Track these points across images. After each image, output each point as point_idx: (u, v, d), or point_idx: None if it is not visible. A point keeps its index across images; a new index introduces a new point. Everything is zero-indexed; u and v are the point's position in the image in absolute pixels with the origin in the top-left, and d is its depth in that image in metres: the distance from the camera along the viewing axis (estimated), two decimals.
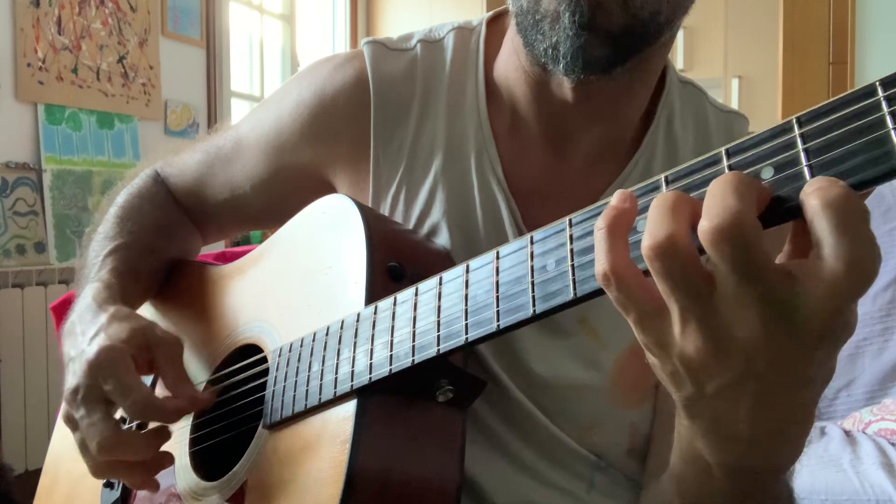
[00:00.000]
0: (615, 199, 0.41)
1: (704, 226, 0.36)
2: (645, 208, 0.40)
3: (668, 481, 0.59)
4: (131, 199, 0.89)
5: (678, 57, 3.63)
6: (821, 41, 3.19)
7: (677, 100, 0.75)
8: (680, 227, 0.37)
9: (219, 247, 2.74)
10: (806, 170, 0.35)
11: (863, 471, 1.68)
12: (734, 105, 3.67)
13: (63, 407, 0.67)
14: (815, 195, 0.34)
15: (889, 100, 0.33)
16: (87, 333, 0.68)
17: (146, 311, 0.89)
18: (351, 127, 0.75)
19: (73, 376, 0.66)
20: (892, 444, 1.78)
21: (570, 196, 0.71)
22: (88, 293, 0.75)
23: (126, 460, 0.66)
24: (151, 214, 0.87)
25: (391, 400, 0.58)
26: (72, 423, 0.66)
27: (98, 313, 0.70)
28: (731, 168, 0.38)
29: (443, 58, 0.76)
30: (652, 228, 0.37)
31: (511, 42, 0.72)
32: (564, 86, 0.66)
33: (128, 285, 0.79)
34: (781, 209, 0.36)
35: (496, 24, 0.78)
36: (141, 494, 0.77)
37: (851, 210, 0.34)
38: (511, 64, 0.72)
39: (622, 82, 0.66)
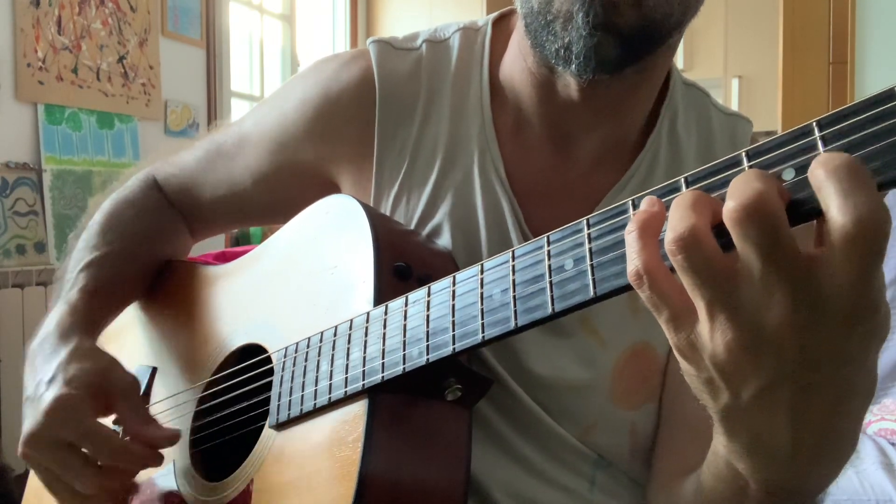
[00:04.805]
0: (645, 203, 0.41)
1: (730, 206, 0.36)
2: (666, 209, 0.41)
3: (692, 494, 0.59)
4: (116, 206, 0.89)
5: (678, 57, 3.62)
6: (821, 41, 3.19)
7: (681, 102, 0.75)
8: (700, 221, 0.37)
9: (219, 246, 2.74)
10: None
11: (863, 471, 1.68)
12: (734, 105, 3.68)
13: (23, 448, 0.66)
14: (818, 166, 0.35)
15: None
16: (44, 373, 0.69)
17: (140, 314, 0.89)
18: (355, 125, 0.75)
19: (30, 420, 0.66)
20: (892, 444, 1.79)
21: (572, 197, 0.71)
22: (54, 318, 0.75)
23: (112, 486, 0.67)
24: (134, 221, 0.87)
25: (400, 399, 0.58)
26: (40, 468, 0.66)
27: (58, 347, 0.70)
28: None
29: (448, 58, 0.76)
30: (674, 223, 0.38)
31: (517, 44, 0.72)
32: (571, 86, 0.66)
33: (97, 305, 0.79)
34: (803, 209, 0.36)
35: (501, 24, 0.78)
36: (139, 496, 0.77)
37: (853, 174, 0.34)
38: (516, 65, 0.72)
39: (628, 83, 0.67)
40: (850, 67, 3.10)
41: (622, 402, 0.70)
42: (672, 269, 0.39)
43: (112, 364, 0.69)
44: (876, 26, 3.10)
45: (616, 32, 0.59)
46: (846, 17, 3.15)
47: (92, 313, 0.78)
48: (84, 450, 0.65)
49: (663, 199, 0.41)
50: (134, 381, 0.69)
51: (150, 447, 0.67)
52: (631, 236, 0.40)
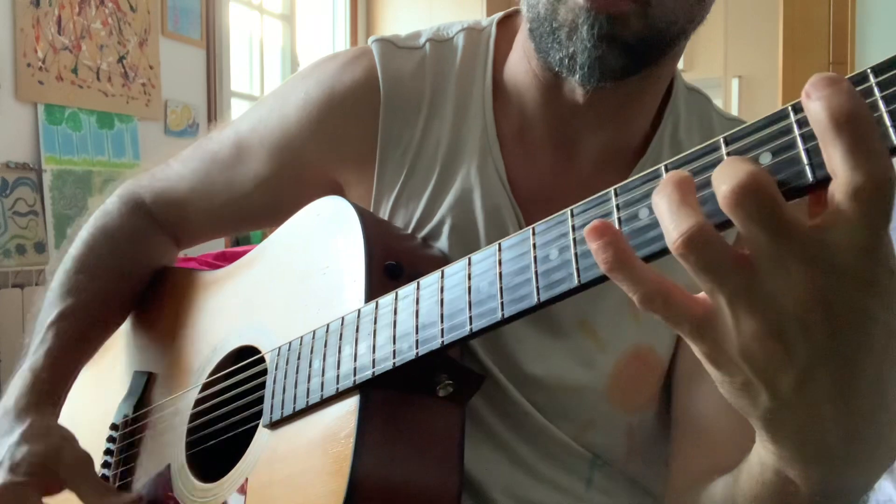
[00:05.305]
0: (596, 242, 0.39)
1: (724, 190, 0.34)
2: (646, 195, 0.41)
3: (723, 500, 0.57)
4: (93, 239, 0.87)
5: None
6: (821, 41, 3.19)
7: (683, 106, 0.75)
8: (701, 216, 0.36)
9: (219, 246, 2.74)
10: (803, 153, 0.35)
11: None
12: (734, 105, 3.68)
13: None
14: (824, 113, 0.33)
15: (881, 85, 0.34)
16: None
17: (134, 320, 0.89)
18: (359, 126, 0.74)
19: None
20: None
21: (573, 201, 0.70)
22: (16, 388, 0.75)
23: None
24: (111, 256, 0.86)
25: (392, 395, 0.58)
26: None
27: (13, 426, 0.71)
28: (729, 155, 0.38)
29: (452, 58, 0.75)
30: (678, 223, 0.36)
31: (521, 46, 0.71)
32: (576, 91, 0.66)
33: (62, 368, 0.79)
34: (784, 190, 0.36)
35: (506, 24, 0.77)
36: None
37: (864, 127, 0.33)
38: (521, 67, 0.71)
39: (633, 88, 0.66)
40: (850, 67, 3.11)
41: (620, 404, 0.70)
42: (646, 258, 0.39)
43: (63, 442, 0.70)
44: (876, 26, 3.10)
45: (621, 43, 0.59)
46: (846, 17, 3.16)
47: (55, 381, 0.78)
48: None
49: (645, 186, 0.41)
50: (85, 456, 0.71)
51: None
52: (615, 273, 0.39)
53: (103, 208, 0.90)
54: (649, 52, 0.62)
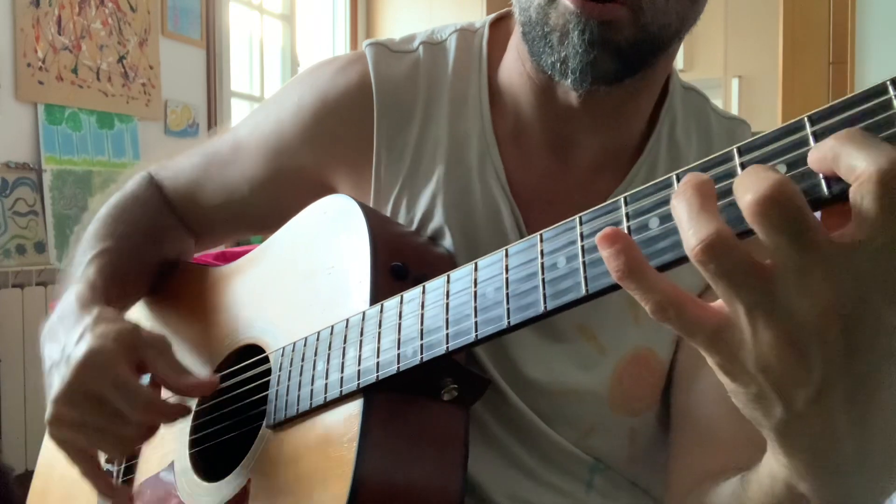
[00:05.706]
0: (608, 249, 0.38)
1: (749, 200, 0.34)
2: (657, 204, 0.40)
3: None
4: (123, 203, 0.87)
5: (678, 57, 3.61)
6: (821, 41, 3.19)
7: (680, 106, 0.74)
8: (720, 223, 0.35)
9: (219, 246, 2.74)
10: None
11: None
12: (734, 105, 3.68)
13: (53, 413, 0.64)
14: (823, 145, 0.33)
15: None
16: (71, 336, 0.67)
17: (140, 313, 0.88)
18: (353, 131, 0.74)
19: (60, 380, 0.64)
20: None
21: (572, 202, 0.70)
22: (72, 293, 0.73)
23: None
24: (142, 218, 0.86)
25: (396, 398, 0.58)
26: (73, 427, 0.65)
27: (82, 315, 0.69)
28: (742, 165, 0.37)
29: (445, 60, 0.75)
30: (697, 229, 0.35)
31: (515, 48, 0.71)
32: (570, 94, 0.66)
33: (112, 288, 0.77)
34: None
35: (499, 26, 0.77)
36: (139, 497, 0.77)
37: (863, 134, 0.32)
38: (515, 69, 0.71)
39: (628, 90, 0.66)
40: (850, 67, 3.11)
41: (620, 408, 0.70)
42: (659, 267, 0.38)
43: (137, 325, 0.68)
44: (876, 26, 3.10)
45: (613, 48, 0.59)
46: (846, 17, 3.16)
47: (110, 290, 0.76)
48: (114, 403, 0.63)
49: (656, 195, 0.40)
50: (162, 336, 0.68)
51: (189, 395, 0.67)
52: (627, 281, 0.38)
53: (125, 186, 0.90)
54: (642, 57, 0.61)
